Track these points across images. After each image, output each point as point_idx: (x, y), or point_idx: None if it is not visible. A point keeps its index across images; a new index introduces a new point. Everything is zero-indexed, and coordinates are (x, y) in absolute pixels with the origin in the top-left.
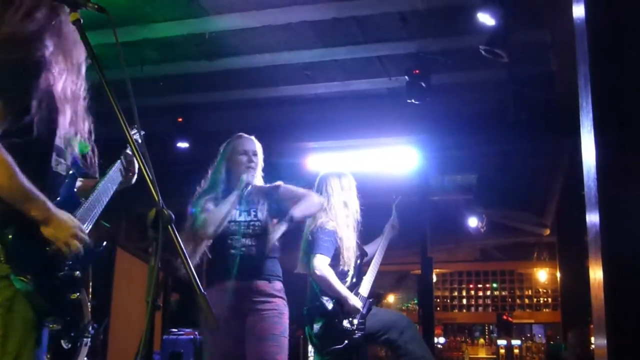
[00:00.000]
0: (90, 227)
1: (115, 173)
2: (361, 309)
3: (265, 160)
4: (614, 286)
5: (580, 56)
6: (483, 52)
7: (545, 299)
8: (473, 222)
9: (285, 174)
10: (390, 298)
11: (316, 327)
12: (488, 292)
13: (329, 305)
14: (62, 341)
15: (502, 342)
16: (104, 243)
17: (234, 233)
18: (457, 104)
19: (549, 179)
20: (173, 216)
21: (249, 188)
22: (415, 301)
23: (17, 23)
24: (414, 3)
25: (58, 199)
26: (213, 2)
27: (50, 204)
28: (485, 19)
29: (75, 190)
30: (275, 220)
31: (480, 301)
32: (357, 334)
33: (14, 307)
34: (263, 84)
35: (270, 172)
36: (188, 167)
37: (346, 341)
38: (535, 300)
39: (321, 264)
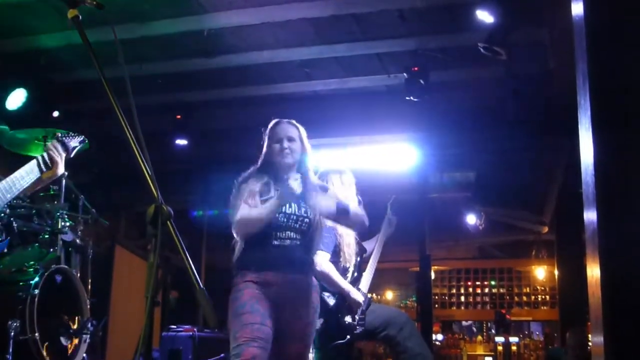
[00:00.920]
0: None
1: (26, 170)
2: (363, 304)
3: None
4: (611, 284)
5: (578, 54)
6: (482, 50)
7: (543, 297)
8: (471, 219)
9: None
10: (389, 295)
11: (317, 323)
12: (486, 290)
13: (331, 302)
14: (61, 338)
15: (500, 339)
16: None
17: (281, 225)
18: (456, 102)
19: (548, 176)
20: (172, 212)
21: (297, 180)
22: (414, 298)
23: None
24: (412, 0)
25: None
26: None
27: None
28: (484, 16)
29: None
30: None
31: (479, 298)
32: (358, 329)
33: None
34: (261, 81)
35: None
36: (187, 164)
37: (348, 336)
38: (533, 297)
39: (322, 260)
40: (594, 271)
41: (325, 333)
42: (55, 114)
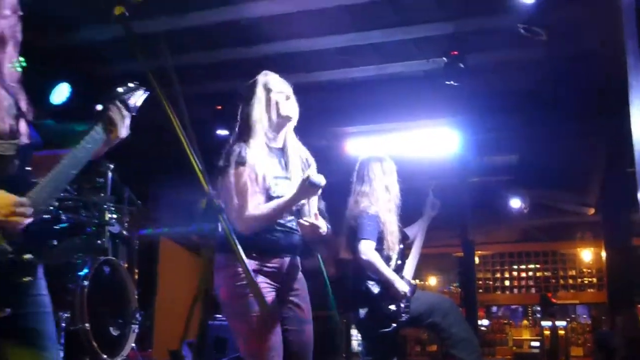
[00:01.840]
0: (47, 204)
1: (92, 137)
2: (408, 292)
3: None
4: None
5: (628, 32)
6: (521, 31)
7: (590, 279)
8: (516, 203)
9: (324, 159)
10: (432, 281)
11: (362, 312)
12: (530, 273)
13: (375, 290)
14: (110, 328)
15: (546, 323)
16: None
17: None
18: (496, 85)
19: (591, 158)
20: (223, 206)
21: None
22: (457, 284)
23: None
24: None
25: None
26: None
27: None
28: None
29: (28, 169)
30: None
31: (523, 282)
32: (404, 317)
33: None
34: (299, 69)
35: None
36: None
37: (394, 325)
38: (579, 280)
39: (367, 249)
40: None
41: (371, 321)
42: (99, 107)
